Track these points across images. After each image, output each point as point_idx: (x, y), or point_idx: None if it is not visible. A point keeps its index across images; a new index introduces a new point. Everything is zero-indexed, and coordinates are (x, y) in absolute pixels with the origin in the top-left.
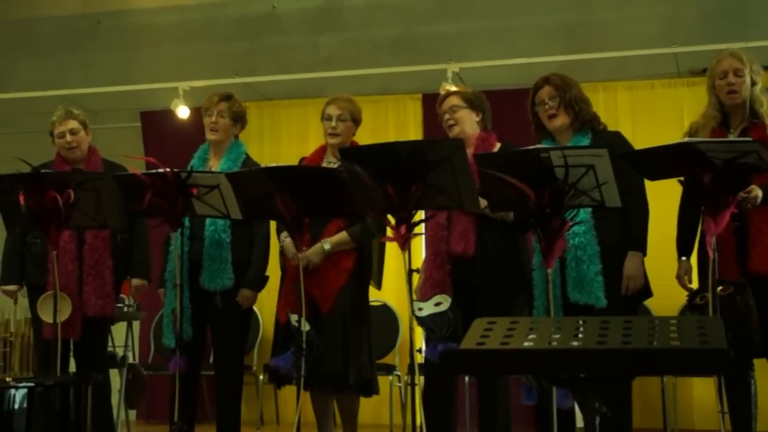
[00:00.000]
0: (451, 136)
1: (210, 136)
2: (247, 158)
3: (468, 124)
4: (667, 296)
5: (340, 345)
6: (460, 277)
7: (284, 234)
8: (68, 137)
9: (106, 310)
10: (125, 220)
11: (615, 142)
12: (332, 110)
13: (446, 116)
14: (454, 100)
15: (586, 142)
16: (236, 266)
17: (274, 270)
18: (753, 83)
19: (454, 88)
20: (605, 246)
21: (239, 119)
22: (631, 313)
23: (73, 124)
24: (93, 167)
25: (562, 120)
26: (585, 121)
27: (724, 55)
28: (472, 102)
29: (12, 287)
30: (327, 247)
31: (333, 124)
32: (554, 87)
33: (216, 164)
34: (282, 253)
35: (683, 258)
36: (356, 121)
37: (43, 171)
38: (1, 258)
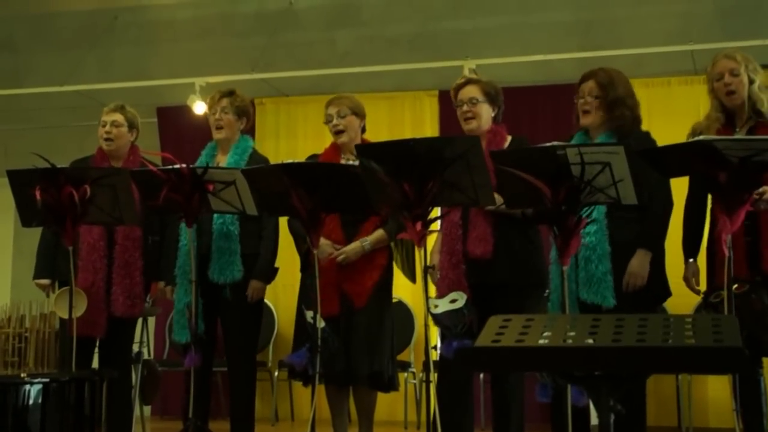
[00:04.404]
0: (465, 129)
1: (216, 134)
2: (254, 152)
3: (485, 119)
4: (683, 294)
5: (377, 340)
6: (476, 279)
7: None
8: (107, 127)
9: (134, 311)
10: (143, 217)
11: (640, 142)
12: (331, 110)
13: (465, 107)
14: (474, 92)
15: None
16: (245, 259)
17: (284, 264)
18: (751, 81)
19: (473, 76)
20: (618, 244)
21: (243, 113)
22: (642, 312)
23: (118, 117)
24: (130, 166)
25: (592, 118)
26: (620, 125)
27: (719, 57)
28: (491, 96)
29: (45, 281)
30: (368, 247)
31: (335, 122)
32: (598, 85)
33: (223, 160)
34: (305, 250)
35: (690, 260)
36: (358, 115)
37: (60, 166)
38: (36, 252)
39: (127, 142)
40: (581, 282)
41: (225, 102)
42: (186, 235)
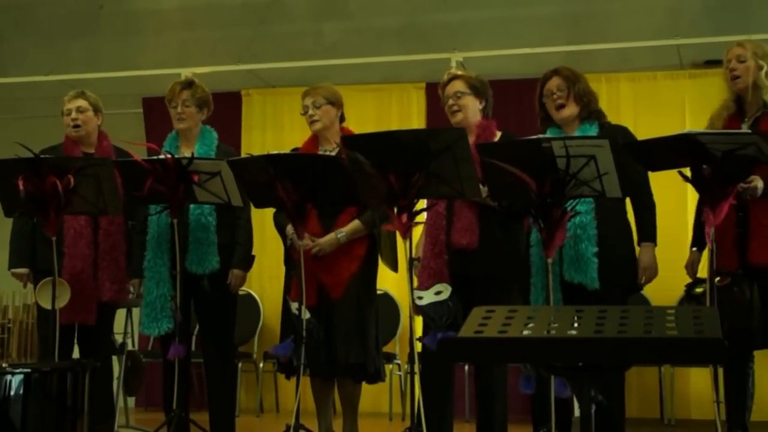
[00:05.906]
0: (453, 122)
1: (178, 125)
2: (220, 143)
3: (471, 111)
4: (666, 287)
5: (357, 332)
6: (458, 269)
7: (291, 227)
8: (74, 114)
9: (120, 296)
10: (127, 205)
11: (621, 136)
12: (307, 101)
13: (450, 101)
14: (459, 86)
15: (593, 131)
16: (220, 250)
17: (270, 256)
18: (759, 68)
19: (458, 72)
20: (601, 233)
21: (204, 105)
22: (619, 301)
23: (82, 102)
24: (104, 153)
25: (570, 110)
26: (592, 112)
27: (731, 46)
28: (476, 89)
29: (23, 270)
30: (342, 238)
31: (310, 112)
32: (563, 78)
33: (189, 151)
34: (289, 244)
35: (694, 249)
36: (334, 104)
37: (44, 156)
38: (10, 241)
39: (95, 126)
40: (567, 261)
41: (186, 94)
42: (154, 226)
